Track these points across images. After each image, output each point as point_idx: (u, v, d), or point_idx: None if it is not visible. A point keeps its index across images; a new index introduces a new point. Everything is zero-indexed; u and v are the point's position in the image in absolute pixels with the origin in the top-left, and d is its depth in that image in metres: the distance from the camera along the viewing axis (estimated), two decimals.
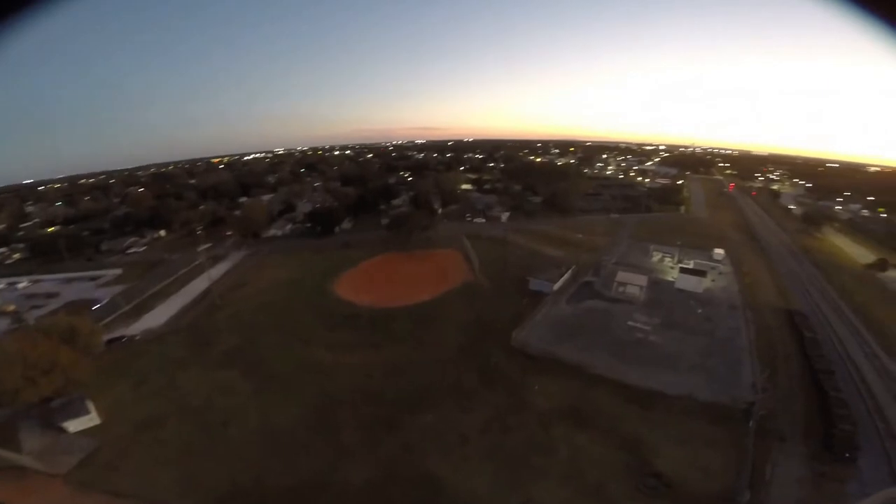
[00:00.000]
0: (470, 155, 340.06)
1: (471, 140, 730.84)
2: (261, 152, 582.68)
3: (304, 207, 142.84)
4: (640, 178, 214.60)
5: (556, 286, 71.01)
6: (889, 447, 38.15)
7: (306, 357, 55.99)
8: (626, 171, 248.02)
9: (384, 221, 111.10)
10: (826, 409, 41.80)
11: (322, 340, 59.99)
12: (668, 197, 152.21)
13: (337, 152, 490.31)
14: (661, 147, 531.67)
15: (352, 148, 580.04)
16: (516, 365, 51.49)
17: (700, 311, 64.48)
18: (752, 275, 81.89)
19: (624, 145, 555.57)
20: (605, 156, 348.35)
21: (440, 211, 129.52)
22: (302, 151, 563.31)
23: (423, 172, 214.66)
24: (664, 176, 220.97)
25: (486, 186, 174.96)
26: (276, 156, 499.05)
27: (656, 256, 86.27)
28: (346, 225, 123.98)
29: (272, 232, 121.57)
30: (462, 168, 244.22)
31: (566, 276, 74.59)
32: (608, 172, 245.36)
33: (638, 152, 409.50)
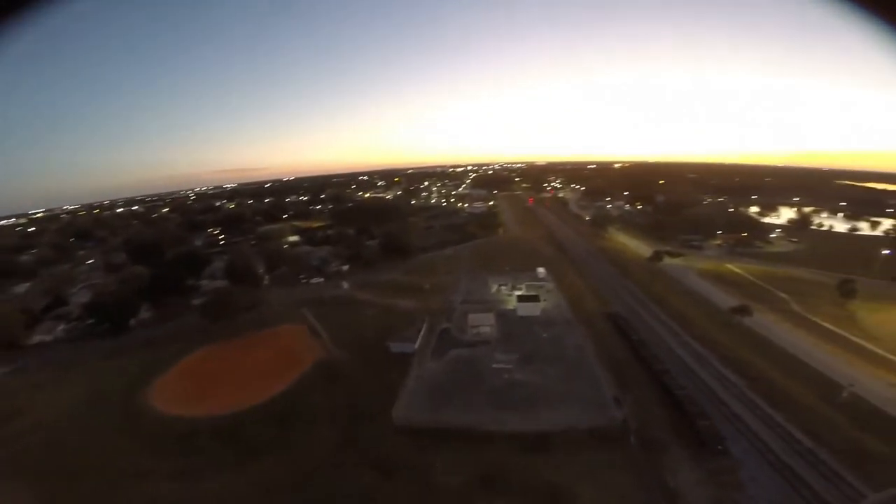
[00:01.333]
0: (293, 198, 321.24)
1: (292, 179, 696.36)
2: (10, 217, 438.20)
3: (80, 297, 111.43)
4: (460, 204, 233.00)
5: (418, 343, 69.29)
6: (742, 428, 45.72)
7: (149, 496, 42.27)
8: (447, 198, 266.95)
9: (196, 303, 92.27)
10: (680, 408, 47.97)
11: (160, 471, 45.80)
12: (487, 221, 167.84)
13: (121, 209, 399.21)
14: (469, 167, 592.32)
15: (141, 201, 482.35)
16: (408, 446, 47.05)
17: (545, 335, 70.04)
18: (572, 286, 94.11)
19: (440, 169, 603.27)
20: (426, 183, 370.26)
21: (266, 278, 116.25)
22: (71, 212, 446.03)
23: (239, 227, 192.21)
24: (479, 199, 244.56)
25: (318, 235, 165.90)
26: (33, 220, 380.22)
27: (494, 287, 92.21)
28: (145, 314, 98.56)
29: (37, 338, 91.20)
30: (286, 216, 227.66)
31: (423, 329, 73.63)
32: (433, 201, 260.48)
33: (453, 175, 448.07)
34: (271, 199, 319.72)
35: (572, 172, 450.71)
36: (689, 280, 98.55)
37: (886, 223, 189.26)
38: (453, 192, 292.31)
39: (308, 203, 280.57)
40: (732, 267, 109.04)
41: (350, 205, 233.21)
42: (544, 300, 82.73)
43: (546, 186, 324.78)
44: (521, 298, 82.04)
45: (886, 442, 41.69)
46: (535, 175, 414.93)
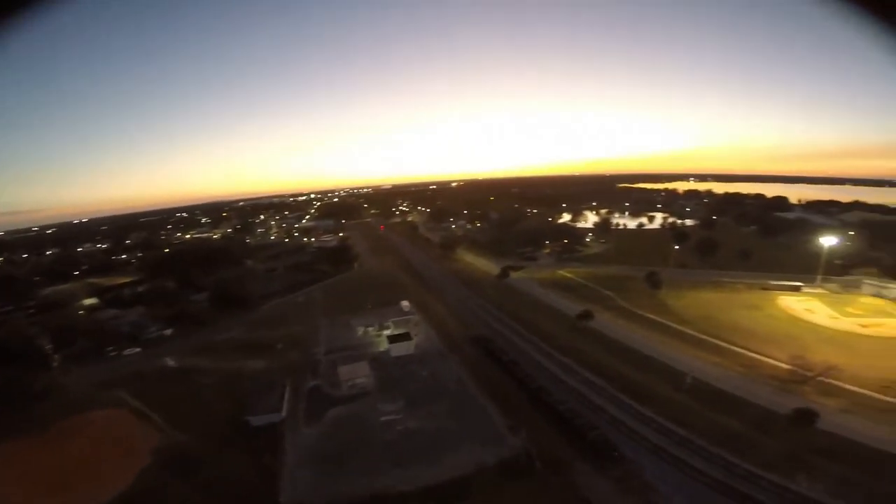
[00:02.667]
0: (88, 247, 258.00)
1: (85, 221, 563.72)
2: None
3: None
4: (306, 239, 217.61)
5: (285, 410, 58.96)
6: (624, 429, 48.91)
7: None
8: (290, 233, 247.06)
9: None
10: (568, 423, 49.24)
11: None
12: (339, 255, 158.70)
13: None
14: (312, 195, 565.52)
15: None
16: None
17: (424, 373, 67.08)
18: (436, 314, 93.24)
19: (278, 199, 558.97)
20: (262, 216, 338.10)
21: (57, 356, 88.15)
22: None
23: (10, 293, 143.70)
24: (327, 230, 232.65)
25: (126, 293, 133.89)
26: None
27: (360, 330, 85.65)
28: None
29: None
30: (78, 272, 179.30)
31: (287, 393, 63.22)
32: (273, 238, 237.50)
33: (294, 206, 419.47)
34: (56, 250, 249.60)
35: (416, 194, 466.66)
36: (535, 291, 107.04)
37: (658, 217, 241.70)
38: (297, 226, 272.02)
39: (109, 252, 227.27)
40: (564, 273, 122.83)
41: (166, 251, 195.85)
42: (415, 335, 79.76)
43: (395, 211, 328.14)
44: (391, 339, 77.57)
45: (737, 418, 49.60)
46: (383, 199, 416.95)
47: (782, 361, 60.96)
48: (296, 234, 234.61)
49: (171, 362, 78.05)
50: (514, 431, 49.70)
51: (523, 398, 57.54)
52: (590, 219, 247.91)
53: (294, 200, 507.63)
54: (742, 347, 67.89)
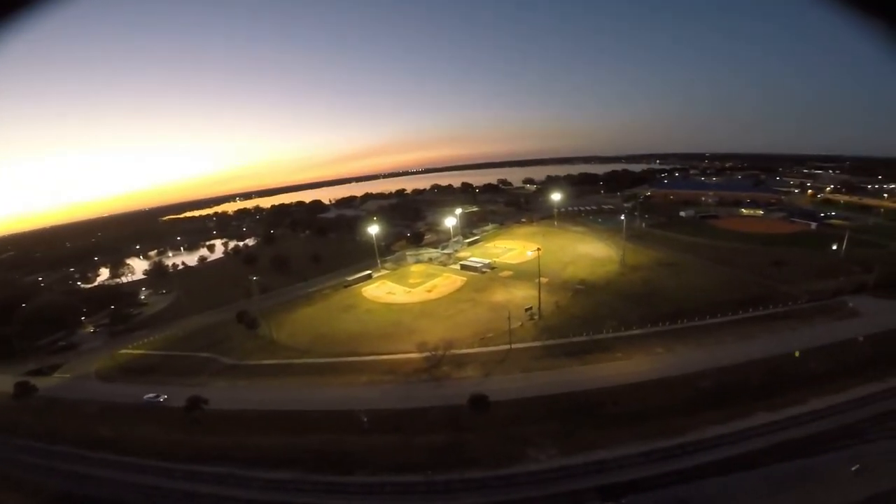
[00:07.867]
0: None
1: None
2: None
3: None
4: None
5: None
6: None
7: None
8: None
9: None
10: None
11: None
12: None
13: None
14: None
15: None
16: None
17: None
18: None
19: None
20: None
21: None
22: None
23: None
24: None
25: None
26: None
27: None
28: None
29: None
30: None
31: None
32: None
33: None
34: None
35: None
36: (97, 392, 70.54)
37: (218, 244, 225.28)
38: None
39: None
40: (129, 351, 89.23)
41: None
42: None
43: None
44: None
45: (435, 433, 46.61)
46: None
47: (411, 352, 63.10)
48: None
49: None
50: None
51: None
52: (138, 267, 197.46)
53: None
54: (372, 354, 66.54)
